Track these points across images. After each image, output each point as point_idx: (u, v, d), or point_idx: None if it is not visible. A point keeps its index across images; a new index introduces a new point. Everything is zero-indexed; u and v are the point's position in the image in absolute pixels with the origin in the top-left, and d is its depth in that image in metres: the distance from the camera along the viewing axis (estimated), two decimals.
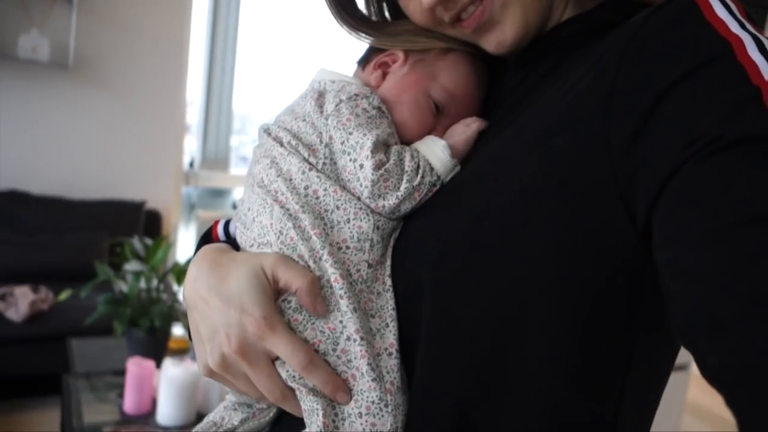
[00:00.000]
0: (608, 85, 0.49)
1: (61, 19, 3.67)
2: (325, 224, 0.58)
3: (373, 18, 0.75)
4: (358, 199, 0.60)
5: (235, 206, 4.36)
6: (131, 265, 2.04)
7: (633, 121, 0.47)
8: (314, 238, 0.57)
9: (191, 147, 4.55)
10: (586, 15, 0.62)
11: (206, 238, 0.72)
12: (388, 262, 0.59)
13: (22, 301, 2.85)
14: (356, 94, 0.65)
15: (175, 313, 2.21)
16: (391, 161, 0.60)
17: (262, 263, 0.57)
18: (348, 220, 0.59)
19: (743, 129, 0.42)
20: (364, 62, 0.75)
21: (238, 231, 0.65)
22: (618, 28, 0.55)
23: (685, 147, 0.43)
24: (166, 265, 2.90)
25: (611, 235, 0.48)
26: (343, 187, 0.61)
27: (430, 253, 0.55)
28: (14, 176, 3.65)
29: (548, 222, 0.49)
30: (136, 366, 1.97)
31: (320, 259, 0.57)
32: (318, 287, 0.56)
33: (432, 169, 0.62)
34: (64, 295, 2.15)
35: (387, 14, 0.76)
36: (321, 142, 0.63)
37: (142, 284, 2.14)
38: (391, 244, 0.60)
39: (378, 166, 0.59)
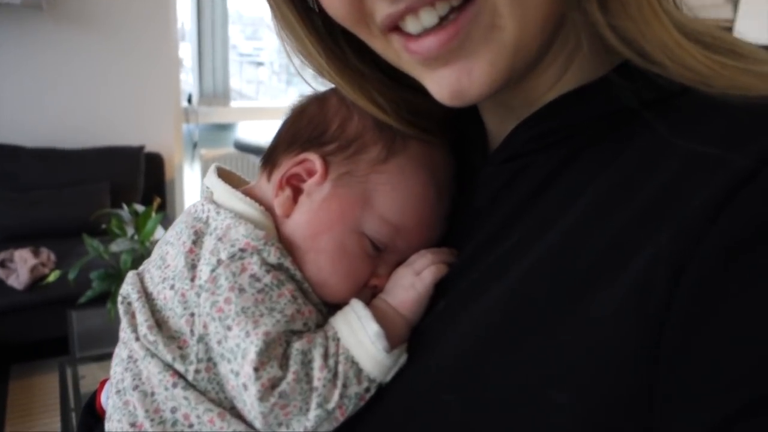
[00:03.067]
0: (655, 321, 0.31)
1: None
2: None
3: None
4: (251, 426, 0.43)
5: (236, 145, 4.17)
6: (118, 245, 1.90)
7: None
8: None
9: (187, 83, 4.31)
10: (601, 87, 0.40)
11: (90, 404, 0.56)
12: None
13: (22, 267, 2.75)
14: (242, 250, 0.45)
15: None
16: (290, 376, 0.42)
17: None
18: None
19: None
20: (268, 164, 0.53)
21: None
22: (649, 132, 0.36)
23: None
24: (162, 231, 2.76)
25: None
26: (229, 411, 0.43)
27: None
28: (1, 131, 3.47)
29: None
30: None
31: None
32: None
33: (360, 371, 0.43)
34: (53, 276, 2.03)
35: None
36: (192, 333, 0.44)
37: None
38: None
39: (269, 388, 0.41)
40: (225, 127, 4.53)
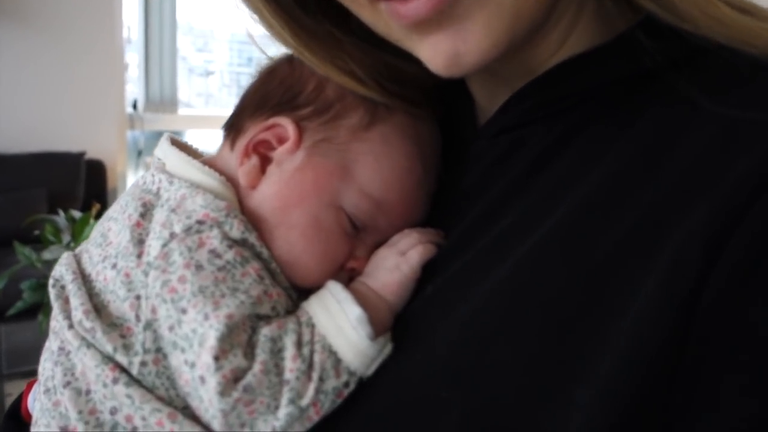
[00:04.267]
0: (686, 308, 0.28)
1: None
2: None
3: None
4: (208, 429, 0.37)
5: None
6: (52, 252, 1.79)
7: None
8: None
9: (133, 88, 4.19)
10: (613, 50, 0.36)
11: (15, 410, 0.49)
12: None
13: None
14: (200, 222, 0.39)
15: None
16: (257, 366, 0.36)
17: None
18: None
19: None
20: (232, 131, 0.47)
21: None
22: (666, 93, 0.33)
23: None
24: None
25: None
26: (180, 411, 0.37)
27: None
28: None
29: None
30: None
31: None
32: None
33: (339, 362, 0.37)
34: None
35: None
36: (138, 319, 0.38)
37: None
38: None
39: (231, 380, 0.35)
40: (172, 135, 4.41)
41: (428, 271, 0.41)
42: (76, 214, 2.06)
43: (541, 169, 0.37)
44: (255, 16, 0.42)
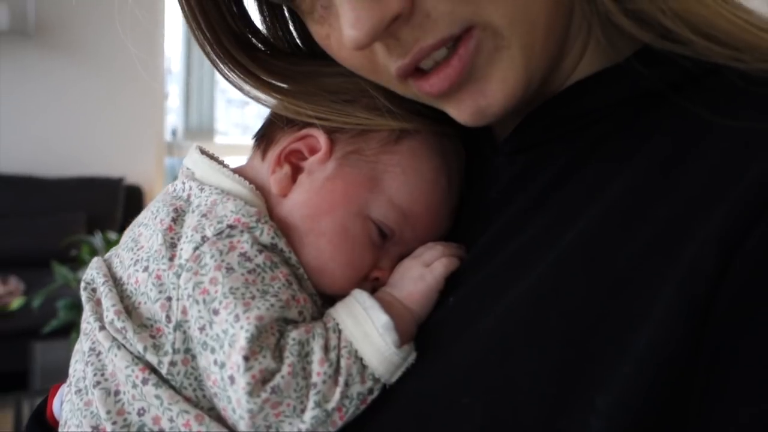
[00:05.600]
0: (702, 309, 0.30)
1: None
2: None
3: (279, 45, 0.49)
4: None
5: None
6: None
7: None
8: None
9: (172, 116, 4.31)
10: (620, 72, 0.38)
11: (40, 413, 0.50)
12: None
13: None
14: (231, 227, 0.40)
15: None
16: (285, 369, 0.37)
17: None
18: None
19: None
20: (263, 142, 0.49)
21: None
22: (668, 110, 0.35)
23: None
24: None
25: None
26: (207, 413, 0.38)
27: None
28: None
29: None
30: None
31: None
32: None
33: (365, 368, 0.38)
34: (16, 303, 1.95)
35: (300, 45, 0.49)
36: (169, 319, 0.39)
37: None
38: None
39: (260, 381, 0.36)
40: None
41: (450, 284, 0.42)
42: (113, 235, 2.10)
43: (560, 185, 0.39)
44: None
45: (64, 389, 0.47)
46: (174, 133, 4.27)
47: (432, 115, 0.44)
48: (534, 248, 0.37)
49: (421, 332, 0.40)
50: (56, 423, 0.48)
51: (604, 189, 0.36)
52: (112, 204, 3.57)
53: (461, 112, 0.38)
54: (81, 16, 3.60)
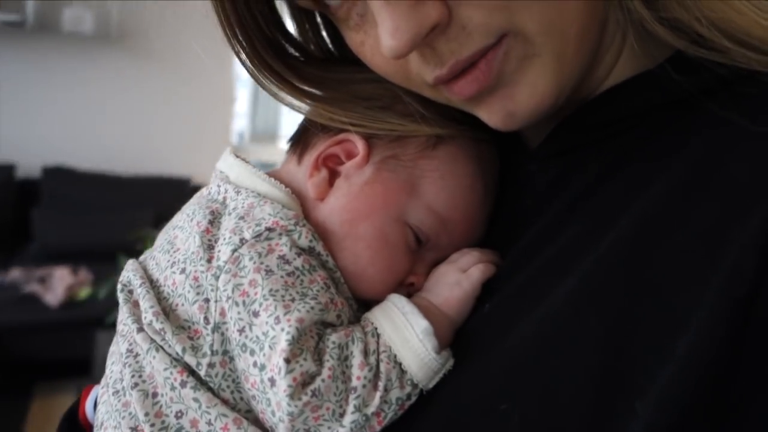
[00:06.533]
0: (742, 313, 0.29)
1: None
2: None
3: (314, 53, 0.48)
4: None
5: None
6: None
7: None
8: None
9: (240, 121, 4.43)
10: (654, 78, 0.37)
11: (72, 414, 0.50)
12: None
13: (59, 285, 2.80)
14: (269, 230, 0.40)
15: None
16: (326, 372, 0.36)
17: None
18: None
19: None
20: (299, 146, 0.48)
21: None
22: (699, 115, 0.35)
23: None
24: None
25: None
26: (244, 416, 0.38)
27: None
28: (61, 151, 3.60)
29: None
30: None
31: None
32: None
33: (403, 374, 0.38)
34: (84, 293, 2.04)
35: (332, 50, 0.49)
36: (207, 321, 0.39)
37: None
38: None
39: (301, 384, 0.36)
40: (272, 166, 4.60)
41: (485, 291, 0.41)
42: None
43: (596, 191, 0.38)
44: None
45: (97, 390, 0.47)
46: (241, 136, 4.39)
47: (466, 121, 0.44)
48: (570, 254, 0.37)
49: (457, 338, 0.40)
50: (88, 424, 0.48)
51: (641, 194, 0.35)
52: (179, 202, 3.53)
53: (492, 116, 0.38)
54: (159, 23, 3.74)
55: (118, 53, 3.68)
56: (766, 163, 0.32)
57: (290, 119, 4.80)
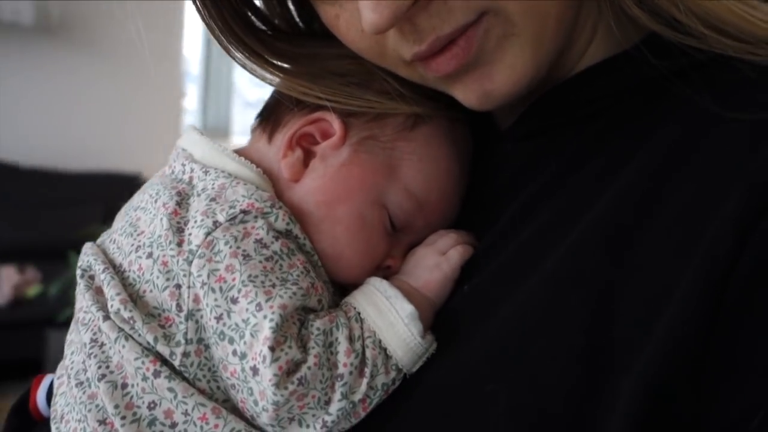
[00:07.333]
0: (718, 288, 0.30)
1: None
2: None
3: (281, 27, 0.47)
4: (251, 425, 0.37)
5: None
6: None
7: None
8: None
9: (191, 117, 4.37)
10: (629, 59, 0.37)
11: (22, 405, 0.48)
12: None
13: (5, 284, 2.73)
14: (244, 212, 0.38)
15: None
16: (311, 359, 0.35)
17: None
18: None
19: None
20: (269, 123, 0.46)
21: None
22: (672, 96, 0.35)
23: None
24: None
25: None
26: (222, 405, 0.37)
27: None
28: (2, 148, 3.47)
29: None
30: None
31: None
32: None
33: (389, 359, 0.37)
34: (33, 291, 2.00)
35: (298, 23, 0.48)
36: (179, 308, 0.37)
37: None
38: None
39: (287, 372, 0.35)
40: None
41: (463, 272, 0.41)
42: None
43: (572, 171, 0.39)
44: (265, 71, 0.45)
45: (50, 381, 0.45)
46: None
47: (441, 101, 0.43)
48: (549, 234, 0.37)
49: (437, 320, 0.40)
50: (41, 416, 0.46)
51: (618, 173, 0.36)
52: (129, 198, 3.60)
53: (468, 95, 0.38)
54: (103, 14, 3.64)
55: (61, 45, 3.56)
56: (739, 146, 0.32)
57: (242, 116, 4.76)
